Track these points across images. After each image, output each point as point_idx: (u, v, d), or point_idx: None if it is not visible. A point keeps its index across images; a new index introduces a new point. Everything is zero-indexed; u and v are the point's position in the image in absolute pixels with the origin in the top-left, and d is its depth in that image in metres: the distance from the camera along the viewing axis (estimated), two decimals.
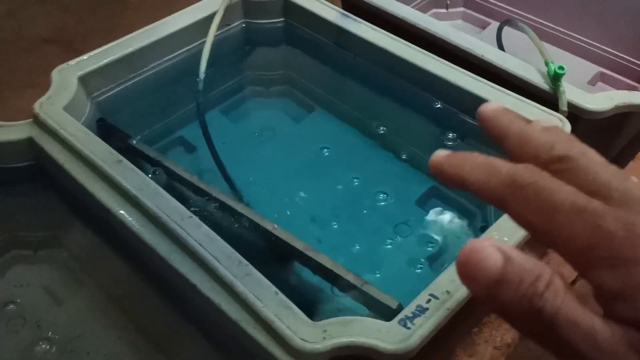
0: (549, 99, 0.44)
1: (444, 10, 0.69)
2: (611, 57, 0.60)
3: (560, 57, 0.62)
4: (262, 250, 0.40)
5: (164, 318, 0.39)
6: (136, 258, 0.38)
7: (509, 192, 0.15)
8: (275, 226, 0.38)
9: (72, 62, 0.46)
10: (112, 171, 0.37)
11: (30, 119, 0.42)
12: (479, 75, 0.45)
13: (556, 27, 0.63)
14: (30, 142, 0.41)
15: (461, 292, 0.31)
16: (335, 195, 0.46)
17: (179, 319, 0.38)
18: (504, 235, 0.34)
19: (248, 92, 0.56)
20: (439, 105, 0.47)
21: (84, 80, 0.45)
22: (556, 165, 0.15)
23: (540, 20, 0.64)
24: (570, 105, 0.43)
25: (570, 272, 0.39)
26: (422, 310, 0.30)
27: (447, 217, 0.44)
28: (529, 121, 0.17)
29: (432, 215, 0.44)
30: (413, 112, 0.50)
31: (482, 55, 0.47)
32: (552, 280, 0.14)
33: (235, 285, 0.31)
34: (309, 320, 0.30)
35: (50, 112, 0.41)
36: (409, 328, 0.29)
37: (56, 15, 0.70)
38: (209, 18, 0.50)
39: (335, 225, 0.44)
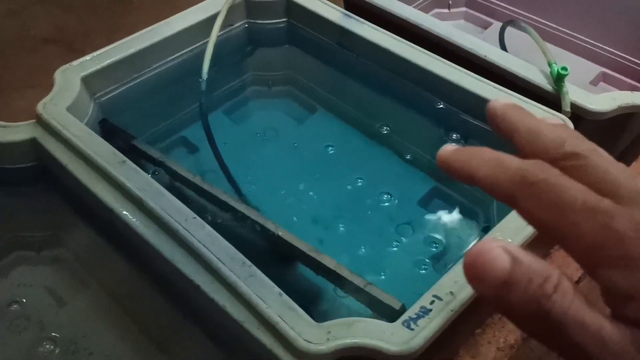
0: (551, 99, 0.44)
1: (446, 10, 0.69)
2: (613, 57, 0.60)
3: (562, 57, 0.62)
4: (265, 251, 0.40)
5: (167, 318, 0.39)
6: (139, 258, 0.38)
7: (518, 188, 0.15)
8: (278, 227, 0.38)
9: (75, 63, 0.46)
10: (115, 172, 0.37)
11: (33, 120, 0.42)
12: (482, 75, 0.45)
13: (558, 27, 0.63)
14: (33, 143, 0.41)
15: (465, 293, 0.31)
16: (338, 195, 0.46)
17: (182, 319, 0.38)
18: (507, 236, 0.34)
19: (251, 93, 0.56)
20: (441, 106, 0.47)
21: (86, 80, 0.45)
22: (566, 162, 0.15)
23: (543, 20, 0.64)
24: (573, 105, 0.43)
25: (572, 273, 0.39)
26: (425, 312, 0.30)
27: (449, 217, 0.44)
28: (537, 118, 0.17)
29: (434, 215, 0.44)
30: (416, 112, 0.50)
31: (485, 56, 0.47)
32: (561, 282, 0.14)
33: (239, 286, 0.31)
34: (313, 322, 0.30)
35: (54, 113, 0.41)
36: (412, 329, 0.29)
37: (57, 15, 0.70)
38: (212, 18, 0.50)
39: (338, 226, 0.44)
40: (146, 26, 0.50)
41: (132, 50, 0.47)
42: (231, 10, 0.52)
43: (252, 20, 0.55)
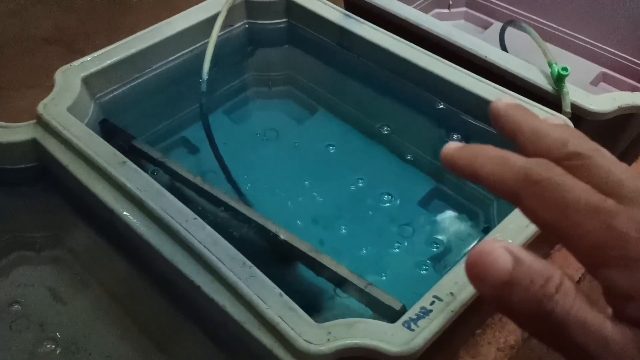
0: (552, 100, 0.44)
1: (446, 10, 0.69)
2: (614, 57, 0.60)
3: (562, 58, 0.62)
4: (265, 252, 0.40)
5: (167, 318, 0.39)
6: (140, 259, 0.38)
7: (522, 186, 0.15)
8: (279, 227, 0.38)
9: (75, 63, 0.46)
10: (116, 172, 0.37)
11: (34, 120, 0.42)
12: (482, 76, 0.45)
13: (558, 28, 0.63)
14: (34, 143, 0.41)
15: (465, 293, 0.31)
16: (338, 195, 0.46)
17: (182, 319, 0.38)
18: (507, 237, 0.34)
19: (251, 93, 0.56)
20: (441, 106, 0.47)
21: (87, 81, 0.45)
22: (569, 162, 0.15)
23: (543, 21, 0.64)
24: (574, 106, 0.43)
25: (573, 273, 0.39)
26: (426, 312, 0.30)
27: (449, 218, 0.44)
28: (540, 118, 0.17)
29: (434, 216, 0.45)
30: (416, 113, 0.50)
31: (486, 56, 0.47)
32: (563, 282, 0.14)
33: (240, 287, 0.31)
34: (314, 322, 0.30)
35: (54, 113, 0.41)
36: (413, 330, 0.29)
37: (57, 15, 0.70)
38: (212, 19, 0.50)
39: (339, 226, 0.44)
40: (146, 26, 0.50)
41: (132, 51, 0.47)
42: (231, 11, 0.52)
43: (253, 21, 0.55)
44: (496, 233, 0.34)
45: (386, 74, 0.50)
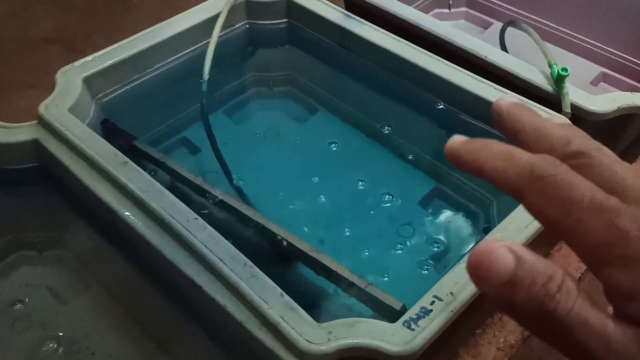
0: (552, 100, 0.44)
1: (446, 10, 0.69)
2: (614, 57, 0.61)
3: (562, 58, 0.62)
4: (266, 252, 0.40)
5: (169, 318, 0.39)
6: (141, 259, 0.39)
7: (526, 182, 0.15)
8: (279, 227, 0.39)
9: (76, 64, 0.46)
10: (117, 173, 0.37)
11: (35, 121, 0.42)
12: (482, 76, 0.45)
13: (558, 28, 0.63)
14: (35, 144, 0.41)
15: (465, 293, 0.31)
16: (338, 195, 0.46)
17: (183, 319, 0.38)
18: (507, 237, 0.34)
19: (252, 93, 0.56)
20: (442, 107, 0.48)
21: (88, 81, 0.45)
22: (572, 161, 0.15)
23: (543, 21, 0.64)
24: (573, 106, 0.43)
25: (573, 273, 0.39)
26: (426, 312, 0.30)
27: (450, 218, 0.44)
28: (543, 117, 0.17)
29: (435, 216, 0.45)
30: (416, 113, 0.50)
31: (486, 57, 0.47)
32: (564, 281, 0.14)
33: (241, 287, 0.31)
34: (314, 322, 0.30)
35: (56, 114, 0.41)
36: (413, 330, 0.29)
37: (58, 15, 0.70)
38: (213, 19, 0.50)
39: (339, 226, 0.44)
40: (146, 26, 0.50)
41: (133, 51, 0.47)
42: (232, 11, 0.52)
43: (253, 21, 0.55)
44: (496, 233, 0.35)
45: (386, 74, 0.50)
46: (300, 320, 0.30)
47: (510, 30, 0.56)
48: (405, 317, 0.30)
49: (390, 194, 0.46)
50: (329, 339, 0.29)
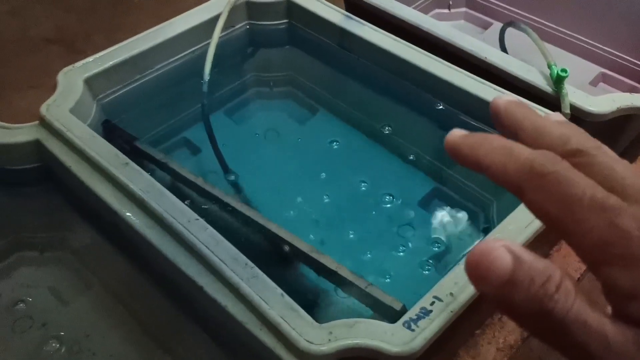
0: (551, 101, 0.44)
1: (446, 11, 0.69)
2: (613, 57, 0.61)
3: (562, 58, 0.62)
4: (266, 252, 0.40)
5: (170, 318, 0.39)
6: (142, 259, 0.39)
7: (526, 179, 0.15)
8: (280, 227, 0.39)
9: (77, 65, 0.46)
10: (118, 173, 0.38)
11: (37, 121, 0.42)
12: (482, 77, 0.45)
13: (558, 28, 0.63)
14: (37, 144, 0.42)
15: (465, 294, 0.31)
16: (338, 195, 0.46)
17: (184, 319, 0.38)
18: (507, 237, 0.34)
19: (252, 94, 0.56)
20: (441, 107, 0.48)
21: (89, 82, 0.46)
22: (571, 159, 0.15)
23: (543, 21, 0.64)
24: (573, 107, 0.43)
25: (572, 274, 0.39)
26: (426, 313, 0.30)
27: (450, 218, 0.45)
28: (542, 115, 0.17)
29: (434, 216, 0.45)
30: (416, 113, 0.50)
31: (485, 58, 0.47)
32: (563, 282, 0.14)
33: (241, 287, 0.32)
34: (315, 322, 0.30)
35: (57, 115, 0.41)
36: (413, 330, 0.29)
37: (58, 15, 0.70)
38: (213, 20, 0.51)
39: (339, 226, 0.44)
40: (146, 26, 0.50)
41: (134, 52, 0.48)
42: (233, 12, 0.52)
43: (254, 22, 0.55)
44: (496, 233, 0.35)
45: (386, 75, 0.50)
46: (301, 321, 0.30)
47: (510, 31, 0.56)
48: (405, 317, 0.30)
49: (390, 195, 0.46)
50: (329, 339, 0.29)
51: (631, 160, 0.48)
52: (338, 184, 0.47)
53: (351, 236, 0.43)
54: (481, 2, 0.67)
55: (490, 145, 0.16)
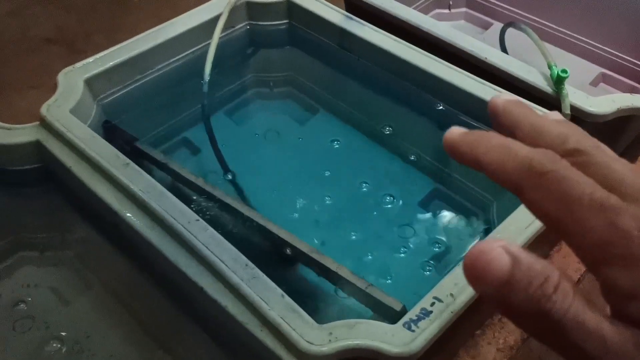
0: (551, 101, 0.44)
1: (446, 11, 0.69)
2: (613, 58, 0.61)
3: (562, 58, 0.62)
4: (267, 253, 0.40)
5: (170, 319, 0.39)
6: (142, 260, 0.39)
7: (525, 177, 0.15)
8: (280, 228, 0.39)
9: (78, 65, 0.46)
10: (119, 174, 0.38)
11: (37, 122, 0.42)
12: (482, 77, 0.45)
13: (558, 28, 0.63)
14: (37, 145, 0.42)
15: (465, 295, 0.31)
16: (339, 196, 0.46)
17: (185, 320, 0.38)
18: (507, 238, 0.34)
19: (252, 94, 0.56)
20: (441, 108, 0.48)
21: (90, 82, 0.46)
22: (569, 159, 0.15)
23: (543, 21, 0.64)
24: (573, 108, 0.43)
25: (572, 274, 0.39)
26: (426, 313, 0.30)
27: (450, 219, 0.45)
28: (540, 114, 0.17)
29: (435, 217, 0.45)
30: (416, 114, 0.50)
31: (486, 58, 0.47)
32: (561, 282, 0.14)
33: (242, 288, 0.32)
34: (315, 323, 0.30)
35: (57, 115, 0.42)
36: (413, 331, 0.29)
37: (58, 15, 0.70)
38: (214, 20, 0.51)
39: (340, 227, 0.44)
40: (146, 26, 0.50)
41: (134, 52, 0.48)
42: (233, 12, 0.52)
43: (254, 22, 0.55)
44: (496, 234, 0.35)
45: (386, 76, 0.50)
46: (301, 321, 0.30)
47: (510, 31, 0.56)
48: (405, 318, 0.30)
49: (391, 195, 0.46)
50: (330, 340, 0.29)
51: (631, 160, 0.48)
52: (338, 184, 0.47)
53: (351, 237, 0.43)
54: (481, 2, 0.67)
55: (489, 143, 0.16)
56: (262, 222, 0.39)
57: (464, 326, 0.33)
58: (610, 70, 0.61)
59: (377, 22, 0.51)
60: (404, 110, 0.51)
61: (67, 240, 0.44)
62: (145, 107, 0.50)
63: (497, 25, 0.64)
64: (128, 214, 0.37)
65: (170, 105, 0.51)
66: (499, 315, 0.37)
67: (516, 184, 0.15)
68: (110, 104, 0.48)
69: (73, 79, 0.45)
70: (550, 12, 0.63)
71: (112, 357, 0.37)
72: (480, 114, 0.45)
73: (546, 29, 0.63)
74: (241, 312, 0.31)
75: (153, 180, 0.38)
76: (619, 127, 0.46)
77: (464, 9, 0.69)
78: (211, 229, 0.35)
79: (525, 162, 0.15)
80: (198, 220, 0.35)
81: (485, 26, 0.67)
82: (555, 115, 0.17)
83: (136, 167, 0.38)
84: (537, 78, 0.45)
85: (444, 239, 0.43)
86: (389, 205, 0.45)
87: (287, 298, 0.31)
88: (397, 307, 0.33)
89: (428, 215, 0.45)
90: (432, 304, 0.31)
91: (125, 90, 0.48)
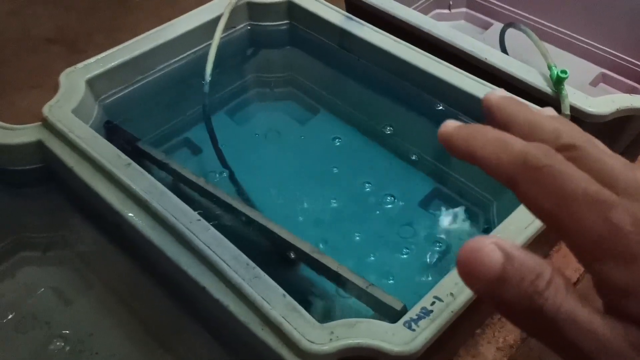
0: (551, 102, 0.44)
1: (446, 11, 0.69)
2: (613, 58, 0.61)
3: (562, 58, 0.62)
4: (268, 252, 0.40)
5: (172, 318, 0.39)
6: (144, 259, 0.39)
7: (520, 171, 0.15)
8: (281, 228, 0.39)
9: (79, 66, 0.46)
10: (121, 174, 0.38)
11: (39, 122, 0.43)
12: (482, 77, 0.45)
13: (558, 28, 0.63)
14: (39, 145, 0.42)
15: (465, 294, 0.31)
16: (339, 196, 0.46)
17: (187, 319, 0.38)
18: (507, 238, 0.34)
19: (253, 94, 0.56)
20: (441, 108, 0.48)
21: (91, 83, 0.46)
22: (564, 153, 0.15)
23: (543, 22, 0.64)
24: (573, 108, 0.43)
25: (571, 274, 0.39)
26: (426, 313, 0.30)
27: (450, 218, 0.45)
28: (534, 110, 0.17)
29: (435, 217, 0.45)
30: (416, 114, 0.51)
31: (486, 59, 0.47)
32: (553, 278, 0.13)
33: (244, 288, 0.32)
34: (316, 322, 0.30)
35: (59, 115, 0.42)
36: (413, 330, 0.30)
37: (58, 14, 0.70)
38: (215, 21, 0.51)
39: (341, 227, 0.44)
40: (147, 26, 0.50)
41: (135, 53, 0.48)
42: (234, 13, 0.52)
43: (255, 23, 0.55)
44: (496, 234, 0.35)
45: (387, 76, 0.50)
46: (302, 321, 0.30)
47: (510, 31, 0.56)
48: (406, 317, 0.30)
49: (391, 195, 0.46)
50: (331, 339, 0.29)
51: (631, 160, 0.48)
52: (339, 184, 0.47)
53: (352, 236, 0.44)
54: (481, 2, 0.68)
55: (484, 136, 0.16)
56: (263, 222, 0.39)
57: (464, 325, 0.33)
58: (610, 70, 0.61)
59: (377, 23, 0.52)
60: (404, 111, 0.51)
61: (69, 240, 0.44)
62: (147, 107, 0.50)
63: (497, 26, 0.64)
64: (130, 214, 0.37)
65: (172, 106, 0.52)
66: (498, 315, 0.38)
67: (511, 178, 0.15)
68: (112, 104, 0.48)
69: (75, 80, 0.45)
70: (550, 12, 0.63)
71: (114, 356, 0.38)
72: (479, 114, 0.45)
73: (546, 29, 0.64)
74: (243, 311, 0.32)
75: (154, 180, 0.38)
76: (619, 128, 0.46)
77: (464, 9, 0.69)
78: (212, 229, 0.35)
79: (520, 156, 0.15)
80: (199, 220, 0.35)
81: (485, 26, 0.67)
82: (549, 111, 0.17)
83: (138, 167, 0.39)
84: (536, 78, 0.46)
85: (444, 238, 0.43)
86: (390, 205, 0.46)
87: (289, 297, 0.31)
88: (398, 306, 0.33)
89: (428, 215, 0.45)
90: (433, 304, 0.31)
91: (126, 91, 0.48)
